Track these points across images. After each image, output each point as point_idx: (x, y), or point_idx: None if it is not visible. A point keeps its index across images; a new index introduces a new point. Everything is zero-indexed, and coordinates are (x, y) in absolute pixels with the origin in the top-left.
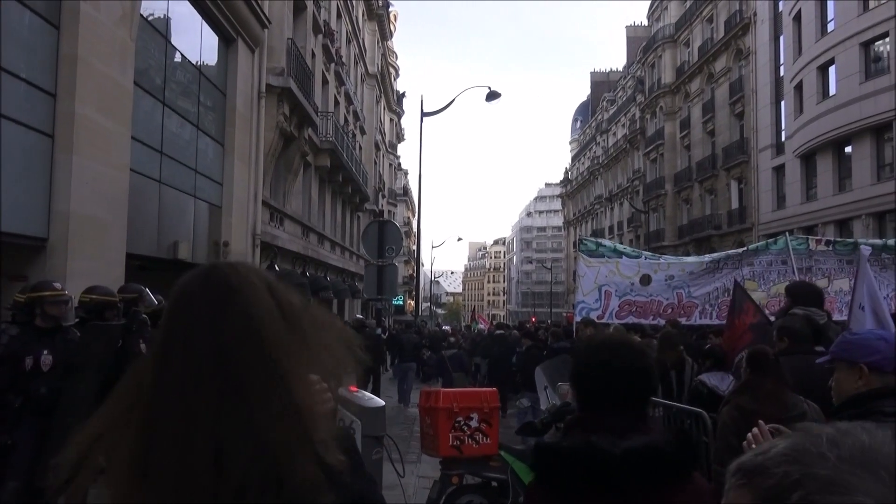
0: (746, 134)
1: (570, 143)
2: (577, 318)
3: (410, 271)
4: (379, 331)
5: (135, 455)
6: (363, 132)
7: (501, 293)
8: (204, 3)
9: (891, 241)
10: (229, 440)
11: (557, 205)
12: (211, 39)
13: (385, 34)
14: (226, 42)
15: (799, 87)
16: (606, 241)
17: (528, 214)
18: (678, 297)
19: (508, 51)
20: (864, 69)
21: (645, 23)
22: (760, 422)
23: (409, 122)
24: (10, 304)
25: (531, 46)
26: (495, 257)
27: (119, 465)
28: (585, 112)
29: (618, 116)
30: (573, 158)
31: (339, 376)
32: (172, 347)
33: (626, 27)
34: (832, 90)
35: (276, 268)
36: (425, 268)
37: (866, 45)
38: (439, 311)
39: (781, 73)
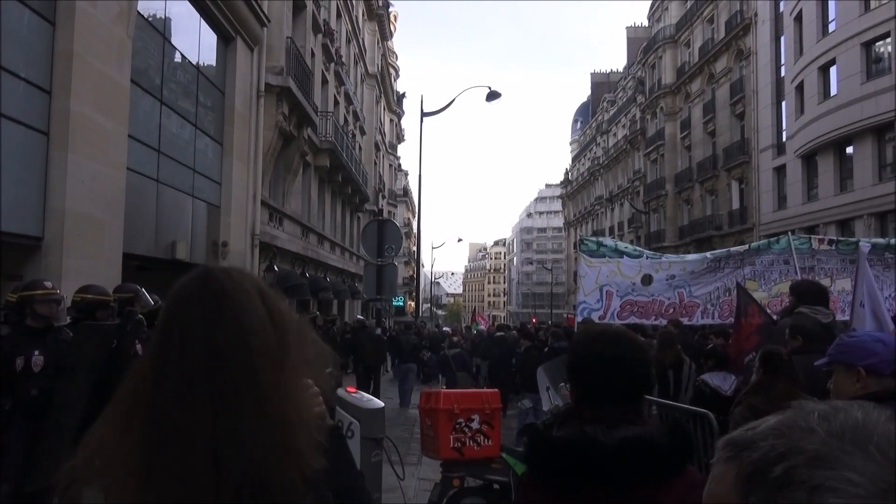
0: (747, 134)
1: (571, 143)
2: (579, 319)
3: (411, 272)
4: (378, 331)
5: (137, 457)
6: (363, 132)
7: (502, 294)
8: (203, 2)
9: (893, 241)
10: (225, 443)
11: (558, 206)
12: (209, 38)
13: (385, 34)
14: (224, 41)
15: (800, 88)
16: (608, 240)
17: (529, 215)
18: (679, 297)
19: (509, 51)
20: (866, 69)
21: (645, 23)
22: None
23: (410, 122)
24: (3, 304)
25: (531, 46)
26: (495, 258)
27: (119, 467)
28: (586, 113)
29: (618, 117)
30: (573, 159)
31: (322, 387)
32: (169, 349)
33: (627, 28)
34: (833, 90)
35: (276, 268)
36: (425, 269)
37: (867, 46)
38: (440, 312)
39: (782, 74)
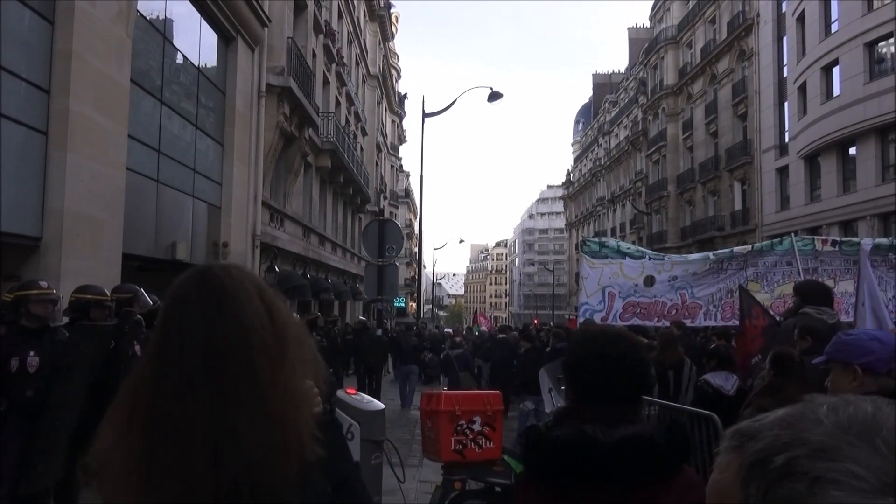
0: (750, 135)
1: (572, 144)
2: (581, 320)
3: (412, 273)
4: (380, 332)
5: (137, 456)
6: (364, 133)
7: (503, 295)
8: (203, 2)
9: None
10: (224, 442)
11: (559, 207)
12: (210, 38)
13: (387, 35)
14: (225, 41)
15: (802, 88)
16: (610, 241)
17: (530, 216)
18: (682, 298)
19: (510, 51)
20: (869, 70)
21: (647, 24)
22: None
23: (411, 124)
24: None
25: (533, 47)
26: (497, 259)
27: (119, 467)
28: (587, 114)
29: (620, 118)
30: (575, 160)
31: (321, 388)
32: (169, 349)
33: (629, 29)
34: (836, 91)
35: (276, 269)
36: (427, 270)
37: (870, 46)
38: (441, 313)
39: (785, 74)
